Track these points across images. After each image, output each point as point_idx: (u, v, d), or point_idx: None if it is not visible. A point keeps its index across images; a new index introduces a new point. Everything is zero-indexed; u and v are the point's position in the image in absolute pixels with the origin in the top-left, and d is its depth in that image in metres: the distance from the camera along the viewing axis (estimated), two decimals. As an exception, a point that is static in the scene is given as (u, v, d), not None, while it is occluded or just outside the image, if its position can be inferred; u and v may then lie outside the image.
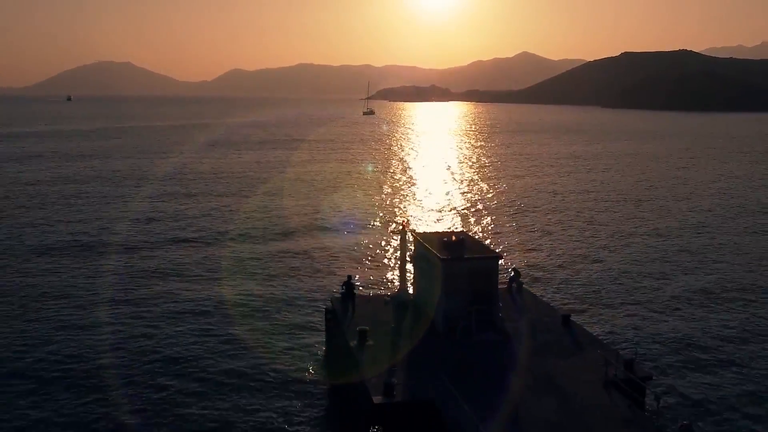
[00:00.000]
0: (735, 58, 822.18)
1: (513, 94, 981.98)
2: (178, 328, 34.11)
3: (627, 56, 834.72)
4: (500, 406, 22.10)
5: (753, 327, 35.67)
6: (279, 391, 27.26)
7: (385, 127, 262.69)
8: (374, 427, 23.35)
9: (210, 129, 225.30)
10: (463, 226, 60.71)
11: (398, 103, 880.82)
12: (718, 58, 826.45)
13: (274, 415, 25.34)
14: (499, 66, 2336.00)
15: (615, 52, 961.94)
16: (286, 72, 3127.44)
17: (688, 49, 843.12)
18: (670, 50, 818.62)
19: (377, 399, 22.30)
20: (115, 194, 78.01)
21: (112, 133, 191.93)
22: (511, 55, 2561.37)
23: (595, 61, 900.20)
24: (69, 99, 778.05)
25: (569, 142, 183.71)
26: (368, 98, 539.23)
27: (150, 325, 34.63)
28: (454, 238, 30.70)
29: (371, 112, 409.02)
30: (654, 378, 26.15)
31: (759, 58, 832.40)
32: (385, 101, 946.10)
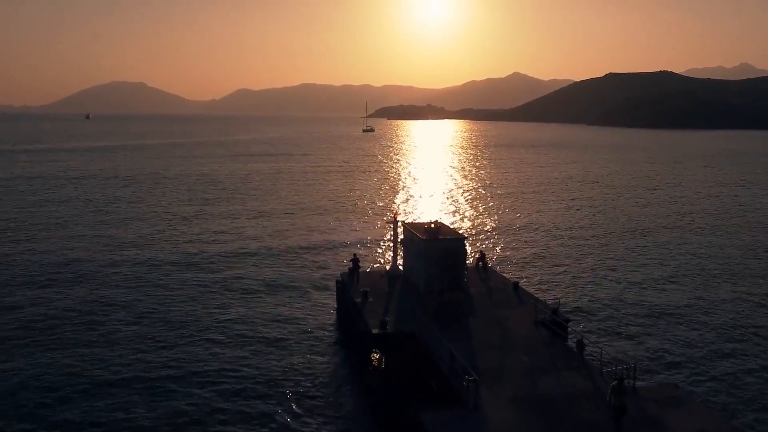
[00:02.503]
0: (713, 79, 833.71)
1: (505, 112, 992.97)
2: (224, 297, 42.74)
3: (612, 77, 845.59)
4: (461, 335, 30.50)
5: (652, 283, 46.09)
6: (303, 333, 36.08)
7: (383, 143, 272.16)
8: (373, 350, 31.84)
9: (225, 145, 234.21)
10: (440, 217, 72.57)
11: (396, 121, 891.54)
12: (697, 78, 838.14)
13: (302, 346, 34.20)
14: (492, 85, 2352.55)
15: (601, 73, 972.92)
16: (289, 91, 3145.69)
17: (670, 70, 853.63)
18: (652, 71, 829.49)
19: (375, 330, 30.67)
20: (152, 200, 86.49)
21: (140, 150, 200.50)
22: (503, 75, 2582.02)
23: (581, 81, 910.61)
24: (88, 117, 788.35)
25: (548, 155, 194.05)
26: (368, 116, 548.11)
27: (199, 291, 43.18)
28: (432, 225, 39.26)
29: (371, 130, 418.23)
30: (572, 320, 34.79)
31: (738, 79, 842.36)
32: (384, 119, 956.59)
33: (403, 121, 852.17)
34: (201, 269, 49.95)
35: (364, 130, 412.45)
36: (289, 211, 79.97)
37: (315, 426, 26.02)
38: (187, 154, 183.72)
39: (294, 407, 27.47)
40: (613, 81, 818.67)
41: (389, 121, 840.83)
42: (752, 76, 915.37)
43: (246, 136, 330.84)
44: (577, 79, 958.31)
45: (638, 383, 25.27)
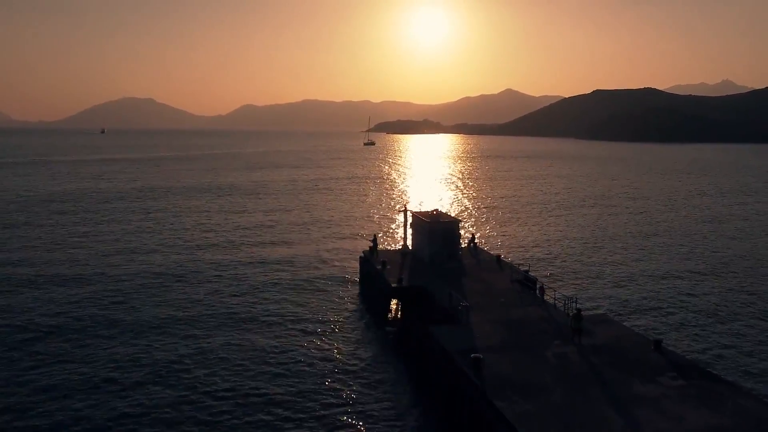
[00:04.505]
0: (694, 95, 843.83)
1: (498, 127, 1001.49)
2: (266, 275, 52.36)
3: (598, 93, 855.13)
4: (457, 288, 40.09)
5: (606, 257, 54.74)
6: (334, 294, 45.94)
7: (386, 155, 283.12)
8: (392, 300, 41.45)
9: (241, 157, 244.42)
10: (440, 207, 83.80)
11: (395, 135, 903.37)
12: (679, 95, 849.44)
13: (333, 303, 43.92)
14: (486, 101, 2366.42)
15: (588, 90, 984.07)
16: (293, 107, 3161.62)
17: (654, 87, 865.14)
18: (637, 88, 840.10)
19: (394, 285, 40.26)
20: (183, 204, 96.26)
21: (159, 162, 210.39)
22: (496, 91, 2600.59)
23: (570, 97, 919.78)
24: (103, 132, 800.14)
25: (533, 164, 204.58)
26: (368, 131, 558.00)
27: (239, 273, 52.80)
28: (434, 212, 49.15)
29: (371, 143, 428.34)
30: (539, 279, 44.39)
31: (720, 95, 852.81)
32: (383, 133, 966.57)
33: (402, 136, 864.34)
34: (247, 260, 59.60)
35: (365, 144, 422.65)
36: (316, 208, 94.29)
37: (349, 351, 35.54)
38: (215, 166, 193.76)
39: (330, 343, 37.12)
40: (600, 97, 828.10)
41: (388, 136, 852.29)
42: (733, 92, 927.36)
43: (258, 149, 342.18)
44: (566, 96, 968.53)
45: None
